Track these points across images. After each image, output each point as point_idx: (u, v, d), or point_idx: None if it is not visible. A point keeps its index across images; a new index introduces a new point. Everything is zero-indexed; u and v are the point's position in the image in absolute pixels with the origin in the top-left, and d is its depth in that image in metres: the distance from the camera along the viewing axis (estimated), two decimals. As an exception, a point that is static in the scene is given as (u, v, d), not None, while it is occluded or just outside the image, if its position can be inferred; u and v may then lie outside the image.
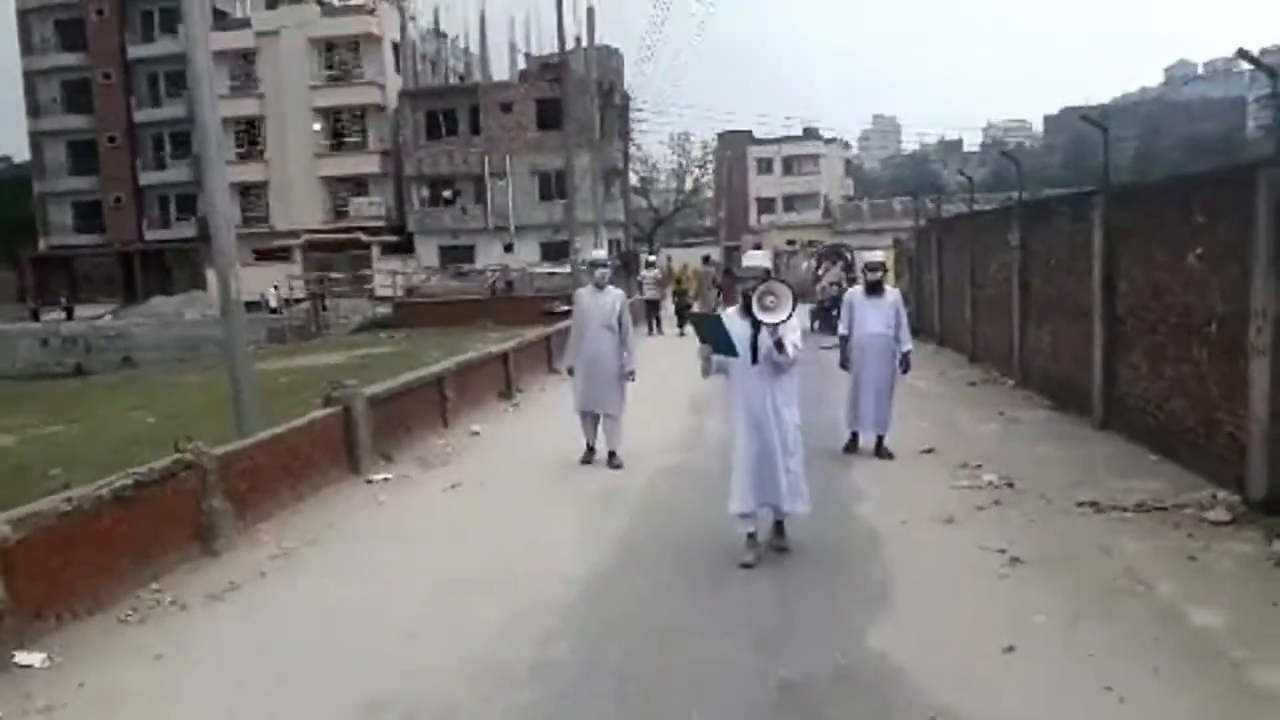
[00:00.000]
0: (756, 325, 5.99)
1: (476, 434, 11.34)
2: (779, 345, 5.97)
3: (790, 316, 5.91)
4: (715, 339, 6.07)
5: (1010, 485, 7.82)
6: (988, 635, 4.90)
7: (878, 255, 9.81)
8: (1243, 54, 7.14)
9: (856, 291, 9.62)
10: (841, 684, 4.50)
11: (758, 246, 10.56)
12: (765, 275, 6.24)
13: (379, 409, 9.50)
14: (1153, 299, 8.86)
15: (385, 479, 9.00)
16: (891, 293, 9.49)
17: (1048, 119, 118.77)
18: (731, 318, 6.27)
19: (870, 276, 9.41)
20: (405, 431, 10.16)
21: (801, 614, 5.42)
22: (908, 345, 9.31)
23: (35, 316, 46.57)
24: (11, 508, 5.29)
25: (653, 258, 33.40)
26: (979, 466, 8.49)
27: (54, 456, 13.02)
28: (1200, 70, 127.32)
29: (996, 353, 14.44)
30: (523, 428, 11.93)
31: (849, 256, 24.03)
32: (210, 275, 49.66)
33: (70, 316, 46.40)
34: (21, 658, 4.92)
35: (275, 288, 41.18)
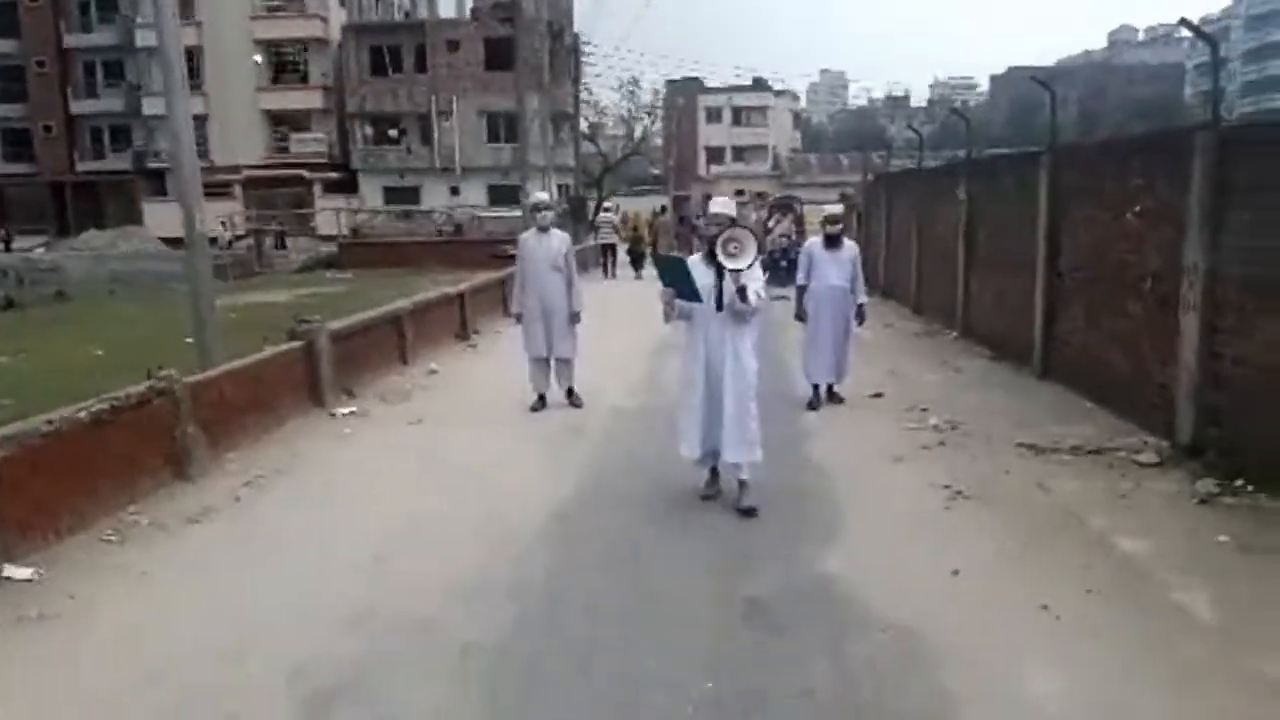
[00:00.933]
0: (720, 273, 6.02)
1: (435, 372, 11.49)
2: (742, 293, 5.99)
3: (753, 265, 5.99)
4: (679, 283, 6.06)
5: (954, 428, 8.24)
6: (934, 561, 5.27)
7: (837, 209, 9.99)
8: (1185, 23, 7.48)
9: (815, 243, 9.73)
10: (800, 603, 4.84)
11: (706, 196, 10.79)
12: (730, 222, 6.22)
13: (340, 345, 9.60)
14: (1093, 255, 9.28)
15: (349, 413, 9.15)
16: (849, 246, 9.66)
17: (994, 78, 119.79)
18: (695, 264, 6.22)
19: (829, 229, 9.55)
20: (366, 368, 10.29)
21: (760, 542, 5.74)
22: (862, 297, 9.55)
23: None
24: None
25: (610, 203, 33.68)
26: (925, 410, 8.90)
27: (2, 387, 12.85)
28: (1141, 36, 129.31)
29: (941, 305, 14.89)
30: (481, 367, 12.09)
31: (798, 209, 24.33)
32: (146, 208, 48.91)
33: (9, 249, 44.91)
34: (10, 571, 5.06)
35: (223, 223, 40.30)
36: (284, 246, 39.10)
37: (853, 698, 3.92)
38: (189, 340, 12.54)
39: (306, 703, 3.90)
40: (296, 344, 8.88)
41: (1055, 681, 3.98)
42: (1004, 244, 11.89)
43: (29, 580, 5.07)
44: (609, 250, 26.39)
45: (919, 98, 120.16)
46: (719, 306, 6.08)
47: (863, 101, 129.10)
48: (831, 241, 9.49)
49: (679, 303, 6.15)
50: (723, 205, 6.53)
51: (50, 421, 5.60)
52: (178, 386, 6.75)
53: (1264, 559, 5.23)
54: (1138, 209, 8.28)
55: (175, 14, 8.22)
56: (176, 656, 4.30)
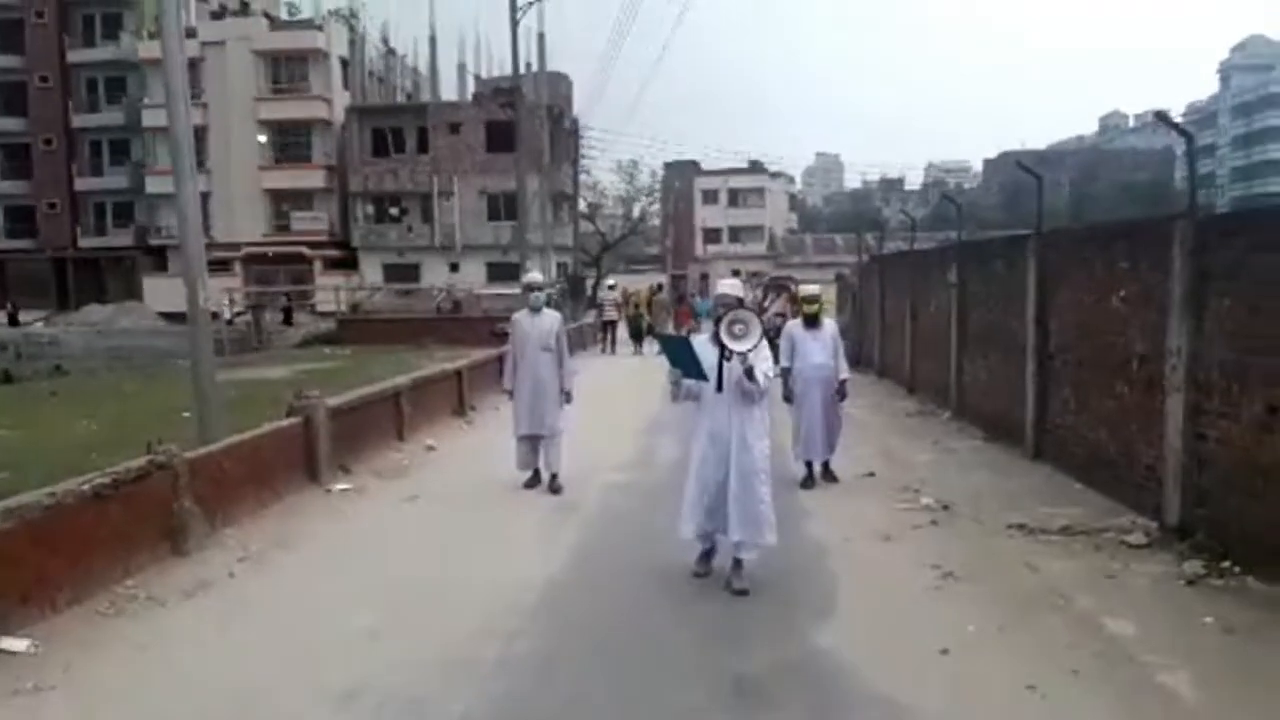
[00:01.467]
0: (726, 353, 6.04)
1: (432, 449, 11.57)
2: (749, 373, 5.99)
3: (759, 345, 5.98)
4: (684, 362, 6.11)
5: (945, 508, 8.32)
6: (924, 638, 5.32)
7: (814, 289, 10.01)
8: (1160, 116, 7.78)
9: (796, 325, 9.79)
10: (791, 677, 4.88)
11: (704, 276, 10.97)
12: (738, 304, 6.26)
13: (338, 420, 9.70)
14: (1081, 337, 9.47)
15: (344, 489, 9.21)
16: (829, 324, 9.83)
17: (987, 162, 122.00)
18: (702, 344, 6.25)
19: (808, 309, 9.65)
20: (363, 444, 10.37)
21: (752, 617, 5.78)
22: (845, 374, 9.65)
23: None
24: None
25: (612, 281, 34.73)
26: (917, 491, 8.98)
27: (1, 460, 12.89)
28: (1132, 122, 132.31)
29: (934, 385, 15.06)
30: (477, 443, 12.17)
31: (793, 289, 24.69)
32: (146, 283, 49.32)
33: (15, 323, 45.05)
34: (7, 643, 5.09)
35: (230, 299, 40.65)
36: (290, 322, 39.36)
37: (841, 775, 3.96)
38: (186, 415, 12.67)
39: (299, 777, 3.93)
40: (295, 420, 8.98)
41: (1043, 762, 4.02)
42: (995, 326, 12.09)
43: (26, 652, 5.10)
44: (610, 326, 27.78)
45: (914, 180, 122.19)
46: (719, 387, 6.08)
47: (857, 184, 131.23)
48: (811, 321, 9.58)
49: (686, 383, 6.18)
50: (731, 287, 6.57)
51: (52, 494, 5.68)
52: (177, 461, 6.84)
53: (1248, 640, 5.29)
54: (1122, 293, 8.49)
55: (187, 99, 8.50)
56: (169, 731, 4.32)
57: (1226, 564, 6.41)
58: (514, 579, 6.51)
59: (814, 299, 9.79)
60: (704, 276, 57.70)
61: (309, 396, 9.32)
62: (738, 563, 6.26)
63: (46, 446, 13.69)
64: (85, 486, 5.94)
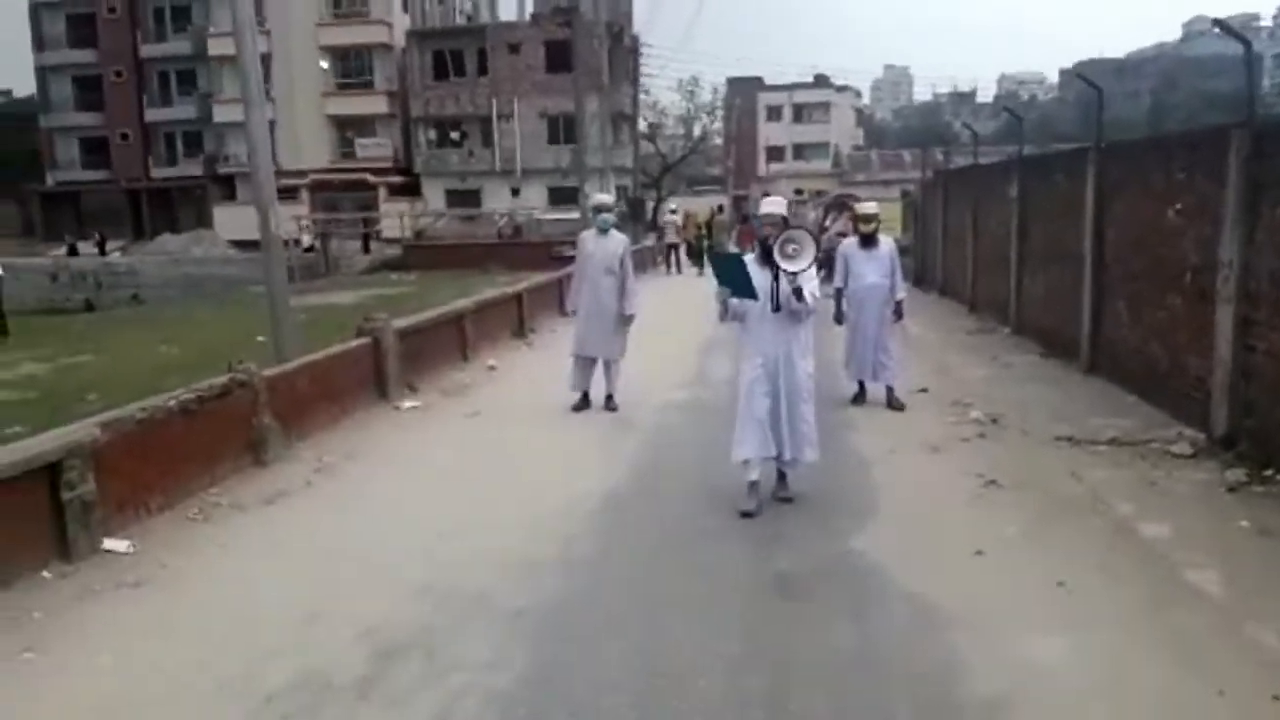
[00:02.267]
0: (775, 273, 6.00)
1: (493, 369, 11.97)
2: (798, 293, 5.98)
3: (811, 264, 5.98)
4: (735, 281, 6.05)
5: (995, 421, 8.46)
6: (959, 541, 5.56)
7: (871, 207, 9.85)
8: (1218, 23, 7.60)
9: (851, 244, 9.69)
10: (829, 577, 5.17)
11: (765, 194, 10.91)
12: (783, 222, 6.27)
13: (405, 342, 10.10)
14: (1137, 250, 9.40)
15: (412, 406, 9.64)
16: (886, 243, 9.61)
17: (1062, 72, 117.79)
18: (751, 264, 6.16)
19: (864, 228, 9.51)
20: (429, 364, 10.78)
21: (796, 523, 6.05)
22: (901, 293, 9.47)
23: (73, 251, 46.67)
24: (52, 428, 5.81)
25: (674, 205, 34.97)
26: (968, 404, 9.11)
27: (86, 383, 13.63)
28: (1215, 28, 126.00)
29: (994, 302, 15.00)
30: (537, 364, 12.52)
31: (855, 207, 24.51)
32: (217, 212, 50.54)
33: (104, 252, 46.48)
34: (109, 544, 5.59)
35: (302, 225, 41.45)
36: (369, 249, 39.98)
37: (870, 655, 4.25)
38: (261, 339, 13.25)
39: (376, 657, 4.34)
40: (364, 340, 9.39)
41: (1057, 647, 4.26)
42: (1054, 241, 12.00)
43: (126, 552, 5.60)
44: (673, 249, 28.52)
45: (986, 93, 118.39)
46: (775, 307, 6.08)
47: (928, 97, 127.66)
48: (867, 241, 9.46)
49: (733, 302, 6.17)
50: (775, 204, 6.56)
51: (143, 409, 6.14)
52: (256, 379, 7.28)
53: (1278, 541, 5.42)
54: (1178, 205, 8.42)
55: (254, 29, 8.77)
56: (258, 617, 4.77)
57: (1269, 472, 6.50)
58: (573, 488, 6.86)
59: (871, 217, 9.59)
60: (766, 195, 57.07)
61: (377, 318, 9.72)
62: (782, 475, 6.43)
63: (130, 371, 14.45)
64: (173, 402, 6.39)
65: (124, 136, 54.77)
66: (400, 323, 10.25)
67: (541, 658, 4.34)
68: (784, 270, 5.94)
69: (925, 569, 5.18)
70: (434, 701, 3.95)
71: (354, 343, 9.33)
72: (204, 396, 6.69)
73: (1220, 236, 7.38)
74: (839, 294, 9.52)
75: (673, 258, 28.35)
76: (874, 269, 9.38)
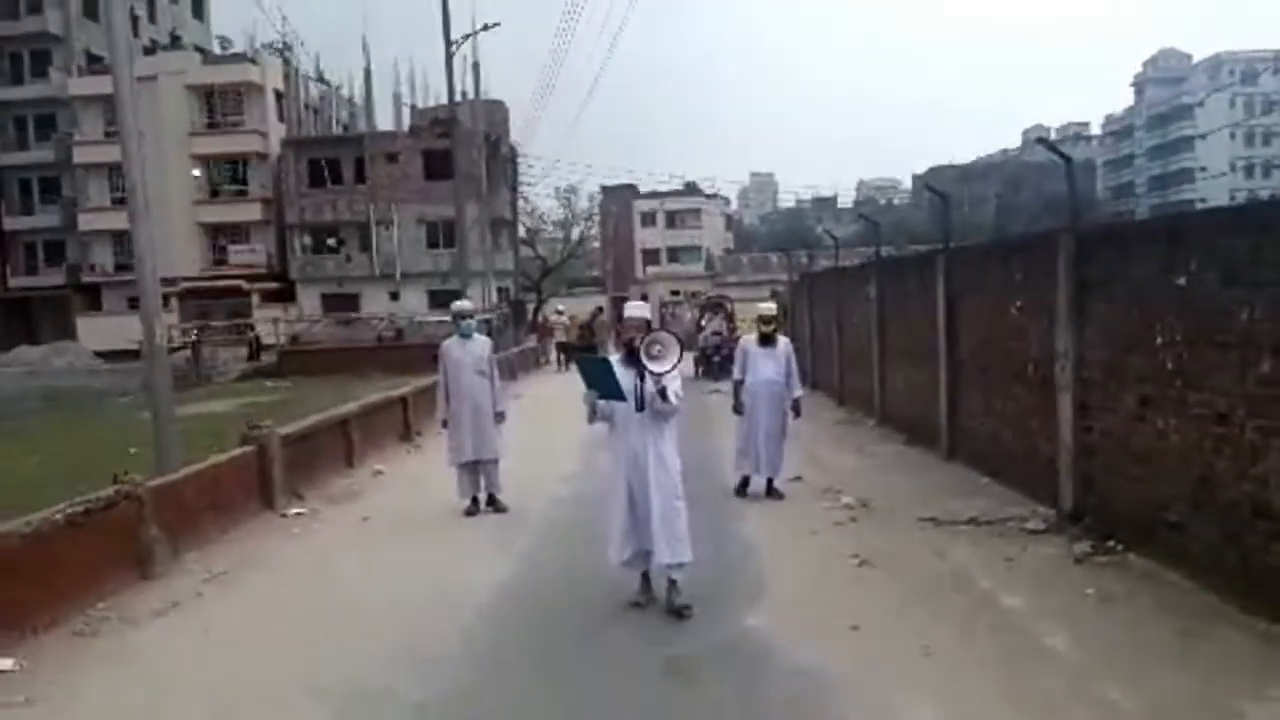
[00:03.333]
0: (641, 374, 6.13)
1: (380, 473, 11.99)
2: (662, 394, 6.08)
3: (676, 365, 6.10)
4: (602, 383, 6.16)
5: (864, 505, 9.01)
6: (838, 616, 5.96)
7: (770, 308, 10.25)
8: (1042, 141, 8.59)
9: (750, 340, 10.06)
10: (720, 657, 5.48)
11: (644, 298, 11.40)
12: (646, 326, 6.42)
13: (291, 448, 10.09)
14: (985, 345, 10.25)
15: (299, 513, 9.61)
16: (783, 342, 10.03)
17: (915, 178, 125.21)
18: (617, 365, 6.29)
19: (763, 329, 9.88)
20: (315, 470, 10.77)
21: (690, 595, 6.30)
22: (798, 391, 9.98)
23: None
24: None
25: (560, 306, 37.30)
26: (839, 491, 9.65)
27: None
28: (1054, 135, 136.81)
29: (860, 395, 15.84)
30: (424, 467, 12.54)
31: (729, 307, 25.54)
32: (80, 323, 48.70)
33: None
34: (-6, 663, 5.47)
35: (172, 333, 40.16)
36: (257, 356, 38.99)
37: (760, 730, 4.56)
38: (133, 450, 12.91)
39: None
40: (249, 448, 9.37)
41: (932, 710, 4.64)
42: (911, 337, 12.87)
43: (12, 670, 5.48)
44: (564, 347, 30.22)
45: (847, 198, 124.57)
46: (639, 407, 6.19)
47: (792, 203, 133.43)
48: (766, 339, 9.85)
49: (600, 404, 6.24)
50: (639, 309, 6.75)
51: (28, 523, 6.06)
52: (142, 490, 7.23)
53: (1121, 606, 6.01)
54: (1019, 303, 9.28)
55: (140, 145, 8.95)
56: (157, 728, 4.76)
57: (1110, 543, 7.16)
58: (467, 584, 7.01)
59: (770, 318, 10.02)
60: (644, 297, 58.34)
61: (262, 426, 9.71)
62: (673, 582, 6.30)
63: (-4, 487, 13.83)
64: (59, 516, 6.32)
65: (-21, 246, 52.59)
66: (285, 429, 10.25)
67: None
68: (649, 370, 6.05)
69: (810, 643, 5.54)
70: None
71: (239, 450, 9.30)
72: (90, 509, 6.63)
73: (1056, 330, 8.19)
74: (737, 386, 9.93)
75: (561, 355, 30.11)
76: (771, 366, 9.79)
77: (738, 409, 9.94)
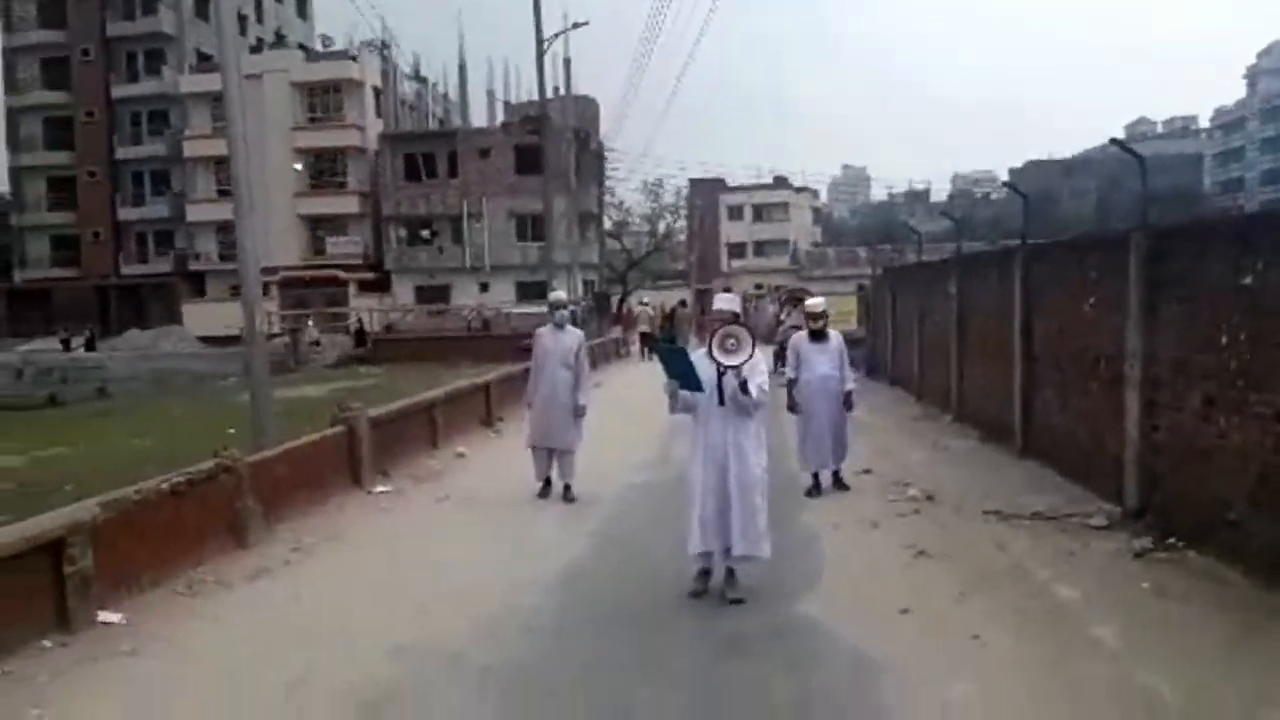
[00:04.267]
0: (721, 367, 6.12)
1: (462, 455, 12.48)
2: (744, 387, 6.09)
3: (750, 358, 6.09)
4: (680, 373, 6.19)
5: (930, 499, 9.10)
6: (890, 602, 6.13)
7: (819, 303, 10.27)
8: (1115, 142, 8.54)
9: (802, 337, 10.01)
10: (775, 636, 5.71)
11: (728, 289, 11.53)
12: (733, 319, 6.33)
13: (378, 430, 10.61)
14: (1059, 342, 10.21)
15: (384, 491, 10.12)
16: (835, 336, 9.96)
17: (1012, 171, 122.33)
18: (699, 357, 6.30)
19: (813, 325, 9.87)
20: (401, 451, 11.28)
21: (746, 587, 6.54)
22: (850, 384, 9.87)
23: (67, 345, 46.84)
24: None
25: (646, 298, 38.29)
26: (907, 485, 9.74)
27: (62, 475, 13.92)
28: (1159, 128, 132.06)
29: (938, 391, 15.79)
30: (503, 451, 13.01)
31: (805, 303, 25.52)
32: (185, 309, 50.94)
33: (91, 347, 46.48)
34: (104, 616, 6.00)
35: (271, 319, 41.80)
36: (363, 343, 40.34)
37: (806, 701, 4.83)
38: (231, 431, 13.65)
39: (360, 711, 4.79)
40: (339, 429, 9.90)
41: (971, 692, 4.80)
42: (989, 333, 12.82)
43: (120, 624, 6.02)
44: (648, 337, 30.78)
45: (941, 192, 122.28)
46: (720, 400, 6.22)
47: (884, 196, 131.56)
48: (817, 335, 9.84)
49: (683, 394, 6.25)
50: (726, 302, 6.68)
51: (138, 491, 6.62)
52: (239, 464, 7.77)
53: (1175, 601, 6.05)
54: (1092, 300, 9.25)
55: (246, 145, 9.58)
56: (248, 682, 5.22)
57: (1171, 540, 7.15)
58: (537, 563, 7.39)
59: (820, 314, 9.98)
60: (728, 289, 58.34)
61: (352, 408, 10.25)
62: (731, 572, 6.35)
63: (105, 463, 14.75)
64: (165, 485, 6.87)
65: (96, 235, 55.40)
66: (374, 412, 10.78)
67: (508, 710, 4.82)
68: (719, 363, 6.09)
69: (859, 627, 5.74)
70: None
71: (330, 430, 9.84)
72: (193, 480, 7.17)
73: (1126, 328, 8.17)
74: (791, 384, 9.87)
75: (645, 346, 30.69)
76: (825, 361, 9.74)
77: (793, 408, 9.86)
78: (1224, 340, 6.61)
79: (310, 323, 42.48)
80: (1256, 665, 5.00)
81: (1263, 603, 5.88)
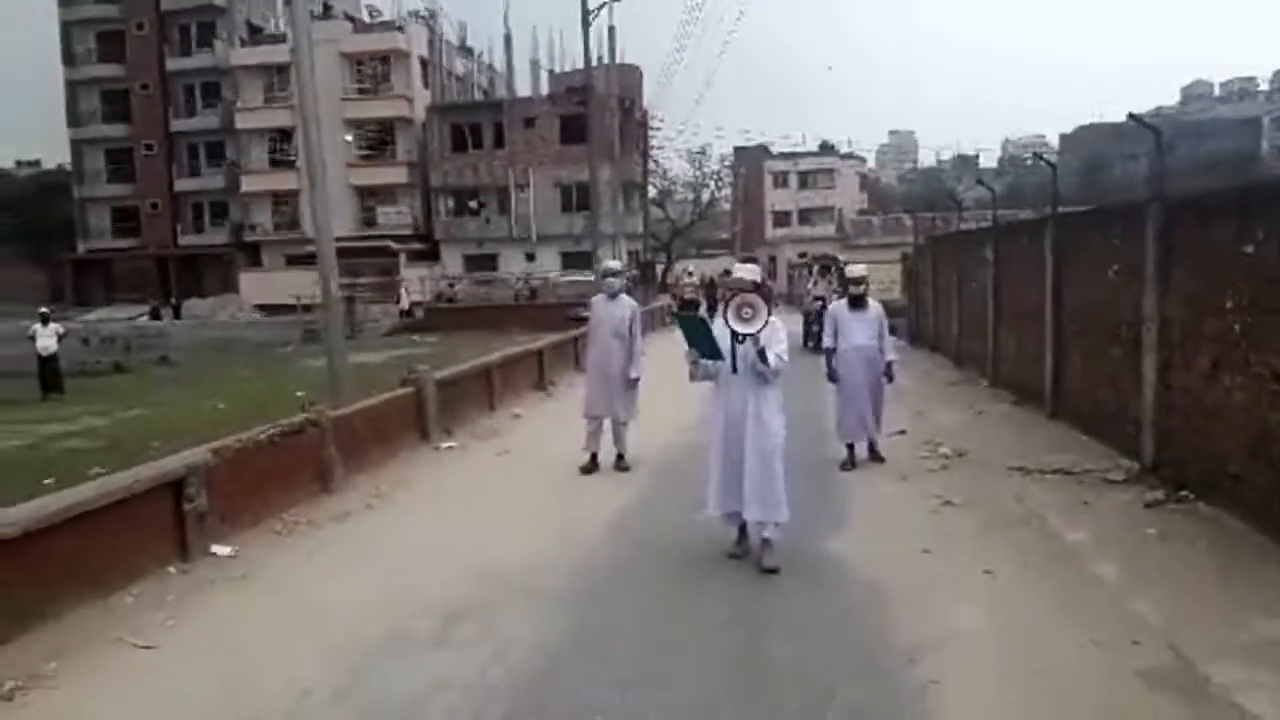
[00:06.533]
0: (739, 335, 6.20)
1: (518, 416, 13.28)
2: (761, 355, 6.19)
3: (767, 325, 6.16)
4: (700, 342, 6.30)
5: (960, 455, 9.70)
6: (911, 543, 6.80)
7: (860, 270, 10.14)
8: (1132, 116, 8.98)
9: (840, 305, 9.94)
10: (801, 571, 6.38)
11: (751, 259, 11.96)
12: (752, 288, 6.33)
13: (443, 391, 11.42)
14: (1086, 308, 10.70)
15: (449, 446, 10.95)
16: (874, 305, 9.79)
17: (1063, 137, 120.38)
18: (718, 325, 6.36)
19: (853, 290, 9.75)
20: (462, 411, 12.10)
21: (782, 555, 7.14)
22: (891, 354, 9.75)
23: (156, 314, 48.72)
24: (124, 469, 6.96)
25: (691, 267, 38.87)
26: (939, 443, 10.34)
27: (147, 434, 14.91)
28: (1217, 91, 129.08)
29: (975, 357, 16.28)
30: (556, 413, 13.78)
31: (839, 269, 25.89)
32: (242, 278, 52.40)
33: (157, 316, 48.30)
34: (216, 548, 6.85)
35: (405, 290, 43.72)
36: (412, 313, 41.69)
37: (826, 618, 5.50)
38: (299, 394, 14.53)
39: (444, 621, 5.57)
40: (409, 389, 10.72)
41: (978, 617, 5.45)
42: (1023, 300, 13.30)
43: (230, 555, 6.86)
44: (691, 305, 30.58)
45: (990, 158, 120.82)
46: (734, 368, 6.33)
47: (932, 162, 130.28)
48: (856, 302, 9.70)
49: (705, 362, 6.37)
50: (746, 271, 6.67)
51: (240, 440, 7.44)
52: (324, 419, 8.59)
53: (1176, 544, 6.63)
54: (1115, 268, 9.73)
55: (318, 120, 10.39)
56: (348, 600, 6.03)
57: (1183, 492, 7.70)
58: (590, 508, 8.15)
59: (860, 280, 9.81)
60: (772, 259, 58.71)
61: (419, 370, 11.06)
62: (766, 541, 6.45)
63: (185, 422, 15.74)
64: (262, 436, 7.70)
65: (154, 206, 57.01)
66: (438, 374, 11.59)
67: (572, 621, 5.57)
68: (734, 330, 6.17)
69: (880, 562, 6.41)
70: (491, 650, 5.17)
71: (400, 390, 10.66)
72: (285, 431, 8.00)
73: (1143, 294, 8.68)
74: (829, 354, 9.78)
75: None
76: (863, 330, 9.60)
77: (832, 377, 9.75)
78: (1228, 305, 7.13)
79: (405, 290, 43.70)
80: (1235, 594, 5.60)
81: (1257, 545, 6.44)
